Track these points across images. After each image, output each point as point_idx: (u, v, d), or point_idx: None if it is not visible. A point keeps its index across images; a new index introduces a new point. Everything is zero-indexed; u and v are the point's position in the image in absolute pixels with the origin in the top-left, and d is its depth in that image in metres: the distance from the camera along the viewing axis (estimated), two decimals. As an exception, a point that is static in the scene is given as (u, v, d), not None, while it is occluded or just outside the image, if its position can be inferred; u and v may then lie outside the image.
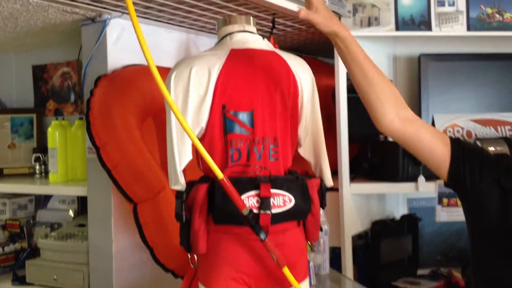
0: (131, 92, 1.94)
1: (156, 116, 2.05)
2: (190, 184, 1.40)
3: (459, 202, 2.31)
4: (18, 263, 2.50)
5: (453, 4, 2.25)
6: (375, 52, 2.47)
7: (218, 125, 1.40)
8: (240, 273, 1.38)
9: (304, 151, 1.56)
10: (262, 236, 1.30)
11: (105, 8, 1.94)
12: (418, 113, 2.53)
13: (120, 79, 1.99)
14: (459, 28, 2.26)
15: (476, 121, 2.50)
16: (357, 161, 2.45)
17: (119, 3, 1.88)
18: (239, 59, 1.43)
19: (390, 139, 2.26)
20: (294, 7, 1.94)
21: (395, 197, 2.80)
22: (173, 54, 2.33)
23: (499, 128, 2.50)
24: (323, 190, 1.50)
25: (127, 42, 2.11)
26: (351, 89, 2.24)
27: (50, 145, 2.40)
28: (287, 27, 2.32)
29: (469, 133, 2.48)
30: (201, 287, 1.42)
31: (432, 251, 2.75)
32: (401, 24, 2.25)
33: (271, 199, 1.35)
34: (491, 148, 2.24)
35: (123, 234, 2.07)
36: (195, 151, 1.42)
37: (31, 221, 2.76)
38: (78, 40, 2.47)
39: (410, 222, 2.62)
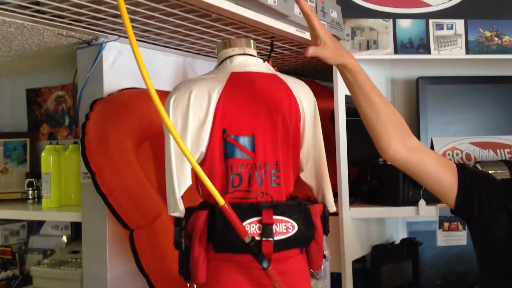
0: (127, 116, 1.91)
1: (152, 140, 2.01)
2: (189, 211, 1.37)
3: (460, 226, 2.31)
4: (10, 291, 2.44)
5: (451, 28, 2.25)
6: (373, 74, 2.45)
7: (218, 149, 1.37)
8: (242, 303, 1.34)
9: (306, 176, 1.54)
10: (265, 264, 1.26)
11: (102, 31, 1.92)
12: (417, 136, 2.49)
13: (116, 103, 1.96)
14: (458, 51, 2.25)
15: (475, 144, 2.48)
16: (356, 185, 2.41)
17: (116, 27, 1.86)
18: (240, 82, 1.40)
19: (390, 163, 2.24)
20: (292, 30, 1.93)
21: (394, 221, 2.76)
22: (170, 77, 2.31)
23: (498, 151, 2.48)
24: (326, 216, 1.47)
25: (123, 65, 2.09)
26: (350, 112, 2.24)
27: (43, 169, 2.35)
28: (285, 50, 2.31)
29: (468, 156, 2.46)
30: (201, 318, 1.38)
31: (432, 275, 2.71)
32: (400, 47, 2.24)
33: (274, 226, 1.32)
34: (490, 171, 2.22)
35: (118, 261, 2.02)
36: (194, 176, 1.39)
37: (23, 248, 2.70)
38: (72, 63, 2.44)
39: (410, 246, 2.58)
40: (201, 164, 1.38)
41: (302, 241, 1.40)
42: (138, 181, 1.83)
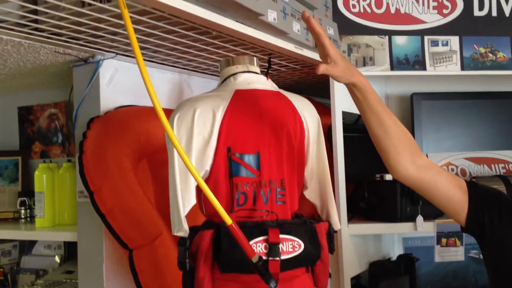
0: (125, 134, 1.89)
1: (150, 158, 1.99)
2: (193, 230, 1.35)
3: (457, 242, 2.31)
4: (2, 313, 2.39)
5: (446, 44, 2.27)
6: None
7: (223, 168, 1.36)
8: (248, 324, 1.32)
9: (310, 194, 1.53)
10: (272, 285, 1.25)
11: (99, 49, 1.90)
12: (412, 151, 2.51)
13: (114, 121, 1.94)
14: (453, 68, 2.28)
15: (470, 159, 2.49)
16: (352, 201, 2.41)
17: (114, 44, 1.85)
18: (244, 100, 1.40)
19: (387, 179, 2.24)
20: (291, 47, 1.93)
21: (391, 237, 2.76)
22: (166, 94, 2.30)
23: (493, 166, 2.50)
24: (331, 234, 1.45)
25: (119, 83, 2.08)
26: (345, 129, 2.24)
27: (37, 188, 2.32)
28: (281, 67, 2.31)
29: (463, 172, 2.47)
30: None
31: (429, 292, 2.71)
32: (395, 63, 2.25)
33: (280, 245, 1.30)
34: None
35: (115, 282, 1.98)
36: (198, 195, 1.38)
37: (15, 268, 2.65)
38: (66, 81, 2.43)
39: (407, 262, 2.57)
40: (206, 182, 1.35)
41: (309, 260, 1.38)
42: (137, 200, 1.80)
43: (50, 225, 2.29)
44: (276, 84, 2.48)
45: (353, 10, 2.27)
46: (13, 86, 2.60)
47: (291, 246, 1.32)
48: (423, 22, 2.31)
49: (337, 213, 1.51)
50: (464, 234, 2.24)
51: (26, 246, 2.68)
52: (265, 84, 1.47)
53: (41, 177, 2.31)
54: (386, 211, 2.26)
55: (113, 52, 1.97)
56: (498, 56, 2.30)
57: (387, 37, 2.26)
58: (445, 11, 2.32)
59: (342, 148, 2.21)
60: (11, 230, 2.41)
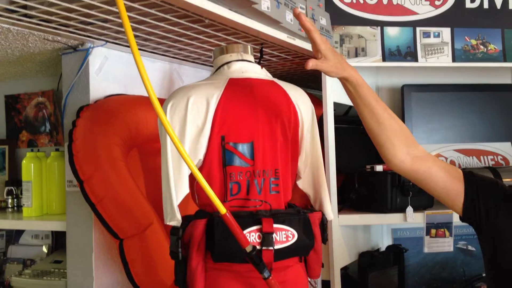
0: (116, 123, 1.87)
1: (141, 147, 1.98)
2: (185, 220, 1.34)
3: (447, 233, 2.32)
4: (-11, 303, 2.37)
5: (438, 36, 2.27)
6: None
7: (217, 157, 1.35)
8: (240, 313, 1.32)
9: (303, 184, 1.52)
10: (266, 274, 1.24)
11: (89, 36, 1.87)
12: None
13: (104, 110, 1.92)
14: (444, 59, 2.28)
15: (459, 151, 2.51)
16: (343, 192, 2.41)
17: (104, 32, 1.82)
18: (238, 89, 1.38)
19: (378, 170, 2.25)
20: (283, 36, 1.92)
21: (380, 228, 2.77)
22: (156, 83, 2.27)
23: (481, 158, 2.52)
24: (324, 224, 1.45)
25: (109, 71, 2.05)
26: (336, 120, 2.24)
27: (24, 177, 2.29)
28: (273, 57, 2.29)
29: (452, 163, 2.48)
30: (199, 330, 1.34)
31: (417, 282, 2.72)
32: (387, 54, 2.25)
33: (274, 235, 1.30)
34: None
35: (104, 272, 1.97)
36: (191, 184, 1.36)
37: (2, 257, 2.62)
38: (54, 69, 2.40)
39: (396, 253, 2.59)
40: (199, 171, 1.35)
41: (302, 249, 1.38)
42: (128, 189, 1.78)
43: (38, 214, 2.27)
44: (267, 73, 2.45)
45: (345, 0, 2.26)
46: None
47: (285, 235, 1.32)
48: (415, 13, 2.30)
49: (330, 203, 1.51)
50: (453, 225, 2.26)
51: (13, 236, 2.65)
52: (259, 73, 1.46)
53: (29, 166, 2.28)
54: (376, 202, 2.27)
55: (103, 40, 1.94)
56: (489, 48, 2.30)
57: (379, 28, 2.26)
58: (437, 3, 2.32)
59: (333, 139, 2.21)
60: (-2, 219, 2.39)
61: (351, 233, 2.41)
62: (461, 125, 2.58)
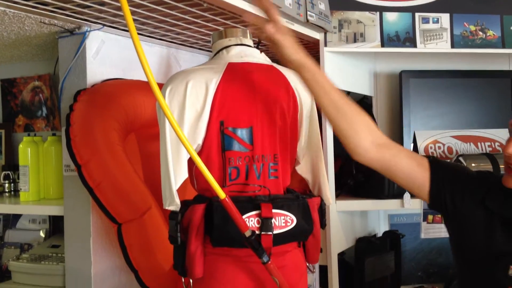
0: (113, 107, 1.86)
1: (138, 131, 1.97)
2: (184, 204, 1.34)
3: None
4: (-14, 287, 2.36)
5: (437, 21, 2.26)
6: (356, 67, 2.47)
7: (216, 142, 1.34)
8: (239, 298, 1.32)
9: (302, 169, 1.52)
10: (265, 259, 1.24)
11: (86, 20, 1.86)
12: (399, 129, 2.53)
13: (101, 94, 1.91)
14: (443, 45, 2.27)
15: (457, 137, 2.51)
16: (340, 177, 2.42)
17: (101, 15, 1.80)
18: (237, 73, 1.37)
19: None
20: (282, 21, 1.90)
21: (376, 213, 2.78)
22: (153, 68, 2.26)
23: (479, 144, 2.52)
24: (323, 209, 1.45)
25: (106, 55, 2.03)
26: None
27: (21, 162, 2.28)
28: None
29: (450, 150, 2.49)
30: (197, 314, 1.35)
31: (413, 268, 2.75)
32: (386, 40, 2.24)
33: (273, 220, 1.30)
34: (473, 165, 2.25)
35: (102, 256, 1.97)
36: (190, 169, 1.36)
37: (-1, 242, 2.62)
38: (51, 53, 2.38)
39: (392, 238, 2.60)
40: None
41: (301, 235, 1.38)
42: (125, 174, 1.78)
43: (35, 199, 2.26)
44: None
45: (344, -15, 2.25)
46: (-5, 58, 2.55)
47: (284, 220, 1.32)
48: (414, -2, 2.29)
49: (328, 189, 1.51)
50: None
51: (10, 220, 2.65)
52: (258, 57, 1.45)
53: (26, 150, 2.27)
54: (374, 188, 2.28)
55: (100, 24, 1.93)
56: (488, 34, 2.30)
57: (378, 13, 2.25)
58: (436, -12, 2.31)
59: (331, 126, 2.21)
60: (-5, 203, 2.38)
61: (348, 219, 2.42)
62: (459, 111, 2.58)
